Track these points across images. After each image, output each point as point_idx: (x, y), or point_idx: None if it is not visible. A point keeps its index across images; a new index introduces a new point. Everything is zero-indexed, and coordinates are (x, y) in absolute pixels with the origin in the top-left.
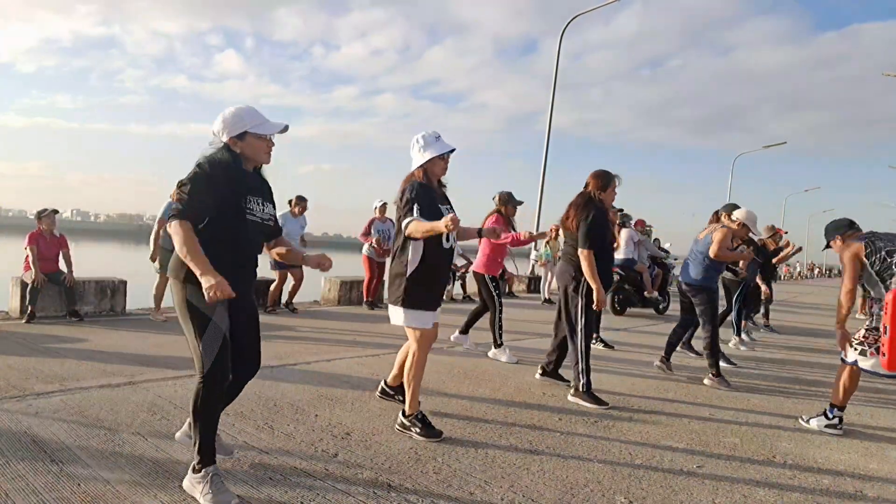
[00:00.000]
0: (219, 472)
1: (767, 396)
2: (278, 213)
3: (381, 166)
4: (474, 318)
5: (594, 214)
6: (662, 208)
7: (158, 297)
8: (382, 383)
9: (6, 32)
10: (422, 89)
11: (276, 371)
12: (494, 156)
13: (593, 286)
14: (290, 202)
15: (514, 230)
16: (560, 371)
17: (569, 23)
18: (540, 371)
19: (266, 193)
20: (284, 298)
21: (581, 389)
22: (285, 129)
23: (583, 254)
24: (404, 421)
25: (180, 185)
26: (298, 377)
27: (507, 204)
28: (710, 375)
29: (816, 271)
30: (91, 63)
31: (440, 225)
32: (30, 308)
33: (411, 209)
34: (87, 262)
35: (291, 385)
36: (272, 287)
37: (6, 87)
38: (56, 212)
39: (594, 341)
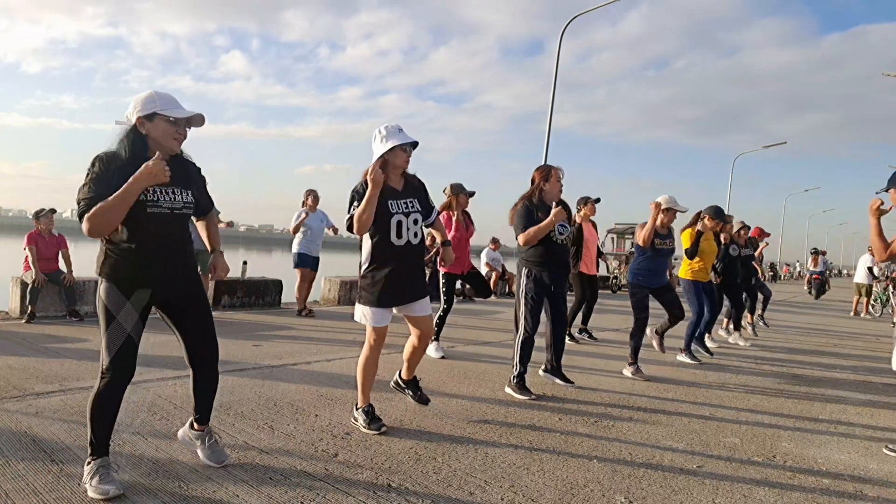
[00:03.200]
0: (107, 463)
1: (767, 396)
2: (296, 212)
3: None
4: (439, 322)
5: (522, 206)
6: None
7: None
8: (397, 375)
9: (13, 33)
10: (426, 90)
11: (276, 371)
12: (497, 156)
13: (547, 228)
14: (303, 202)
15: (470, 221)
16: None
17: (569, 23)
18: (543, 368)
19: (184, 180)
20: (290, 299)
21: (511, 381)
22: (199, 118)
23: (520, 241)
24: (354, 413)
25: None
26: (298, 377)
27: (459, 194)
28: (628, 363)
29: (804, 272)
30: (97, 64)
31: (369, 190)
32: (30, 308)
33: (350, 208)
34: (88, 262)
35: (291, 385)
36: (296, 285)
37: (11, 88)
38: (54, 211)
39: (581, 333)
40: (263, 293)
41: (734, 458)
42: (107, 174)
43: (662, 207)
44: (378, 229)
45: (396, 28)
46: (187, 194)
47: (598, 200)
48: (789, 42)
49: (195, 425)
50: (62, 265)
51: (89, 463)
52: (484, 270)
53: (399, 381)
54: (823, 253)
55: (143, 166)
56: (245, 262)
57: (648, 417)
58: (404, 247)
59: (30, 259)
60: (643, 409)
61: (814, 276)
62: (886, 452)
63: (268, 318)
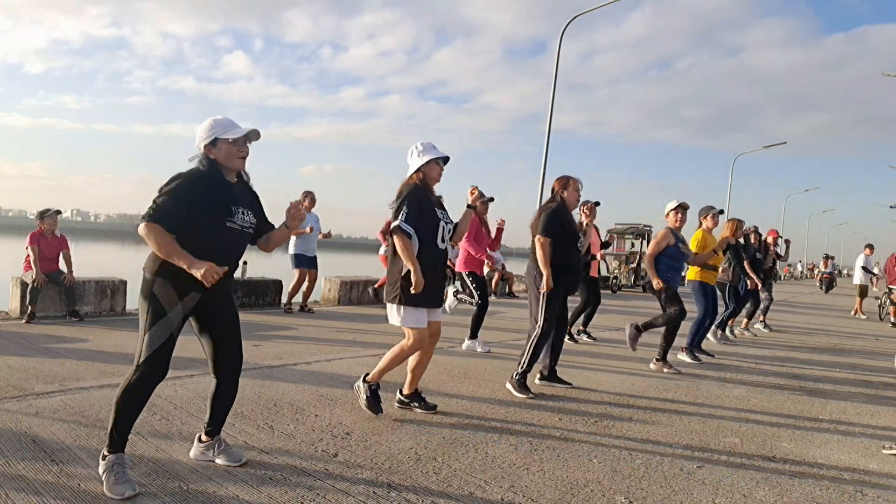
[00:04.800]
0: (122, 461)
1: (767, 396)
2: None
3: (385, 166)
4: (477, 320)
5: (554, 207)
6: (664, 208)
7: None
8: (398, 393)
9: (16, 34)
10: (428, 90)
11: (276, 371)
12: (499, 156)
13: (543, 271)
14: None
15: (487, 227)
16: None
17: (568, 23)
18: (539, 377)
19: (250, 202)
20: (298, 299)
21: (514, 377)
22: (254, 133)
23: (539, 240)
24: (360, 384)
25: (159, 190)
26: (298, 377)
27: (478, 202)
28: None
29: (816, 272)
30: (99, 64)
31: (415, 271)
32: (30, 308)
33: (399, 211)
34: (87, 262)
35: (291, 385)
36: (291, 285)
37: (13, 88)
38: (59, 212)
39: (580, 335)
40: (263, 293)
41: (734, 458)
42: (186, 190)
43: (672, 207)
44: (426, 233)
45: (399, 28)
46: (252, 215)
47: (597, 204)
48: (792, 42)
49: (204, 437)
50: (62, 266)
51: (105, 457)
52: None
53: (402, 398)
54: (832, 257)
55: (209, 266)
56: (245, 263)
57: (648, 417)
58: (442, 250)
59: (31, 259)
60: (643, 409)
61: (824, 276)
62: (885, 452)
63: (268, 318)
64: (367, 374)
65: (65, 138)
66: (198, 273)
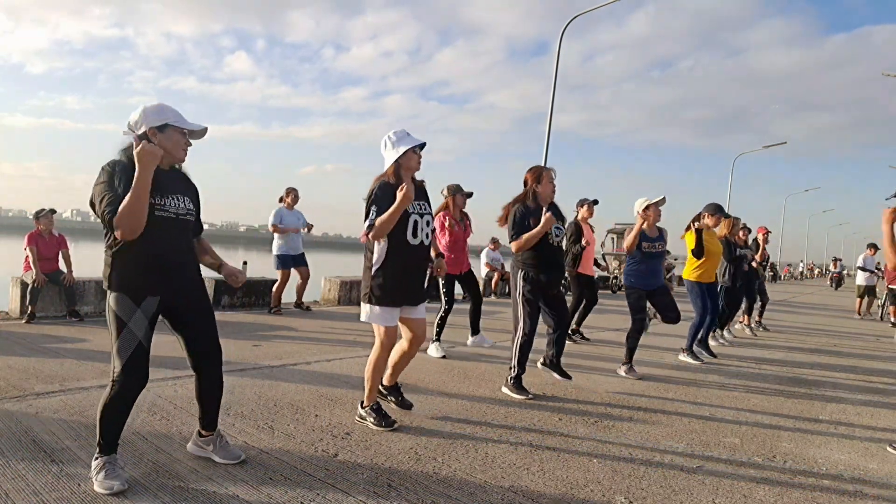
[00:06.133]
0: (113, 460)
1: (767, 396)
2: (274, 210)
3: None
4: (474, 316)
5: (518, 209)
6: (665, 208)
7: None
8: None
9: (19, 34)
10: (430, 90)
11: (276, 371)
12: (500, 156)
13: (540, 234)
14: (280, 199)
15: (468, 220)
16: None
17: (568, 23)
18: (541, 362)
19: (185, 189)
20: (292, 299)
21: (508, 381)
22: (205, 130)
23: (514, 247)
24: (361, 412)
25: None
26: (298, 377)
27: (455, 195)
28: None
29: (816, 272)
30: (101, 64)
31: (398, 201)
32: (30, 308)
33: (369, 212)
34: (87, 262)
35: (291, 385)
36: (275, 287)
37: (15, 89)
38: (53, 211)
39: (574, 335)
40: (263, 293)
41: (734, 458)
42: (120, 178)
43: (642, 207)
44: (395, 228)
45: (402, 29)
46: (189, 202)
47: (595, 202)
48: (794, 43)
49: (202, 432)
50: (62, 265)
51: (97, 458)
52: (484, 271)
53: (381, 387)
54: (840, 259)
55: (140, 148)
56: (245, 263)
57: (648, 417)
58: (418, 246)
59: (30, 259)
60: (643, 409)
61: (834, 275)
62: (890, 451)
63: (268, 318)
64: (361, 402)
65: (67, 139)
66: (147, 161)
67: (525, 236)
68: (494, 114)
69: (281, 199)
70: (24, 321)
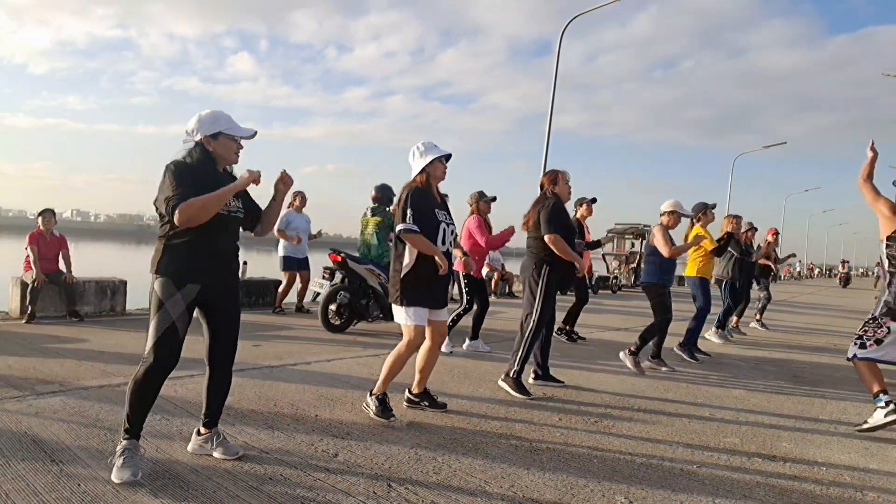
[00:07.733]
0: (135, 446)
1: (767, 396)
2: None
3: (386, 166)
4: (478, 321)
5: (553, 203)
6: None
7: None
8: (407, 392)
9: (22, 34)
10: (432, 91)
11: (276, 371)
12: (502, 156)
13: (572, 260)
14: (290, 204)
15: (490, 228)
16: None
17: (569, 23)
18: (532, 376)
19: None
20: (292, 299)
21: (511, 375)
22: (254, 134)
23: (549, 238)
24: (368, 400)
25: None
26: (298, 377)
27: (479, 201)
28: (629, 350)
29: (816, 272)
30: (104, 65)
31: (437, 254)
32: (30, 308)
33: (405, 215)
34: (87, 262)
35: (291, 385)
36: (280, 288)
37: (18, 89)
38: (52, 212)
39: (560, 333)
40: (263, 293)
41: (734, 458)
42: (184, 175)
43: (667, 210)
44: (427, 235)
45: (404, 29)
46: (238, 201)
47: (594, 201)
48: (797, 43)
49: (202, 430)
50: (62, 266)
51: (121, 442)
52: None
53: (411, 396)
54: (847, 261)
55: (246, 172)
56: (245, 263)
57: (648, 417)
58: (444, 253)
59: (31, 259)
60: (643, 409)
61: (842, 275)
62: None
63: (268, 318)
64: (371, 389)
65: (68, 139)
66: (243, 182)
67: (567, 249)
68: (496, 114)
69: (290, 205)
70: (24, 321)
